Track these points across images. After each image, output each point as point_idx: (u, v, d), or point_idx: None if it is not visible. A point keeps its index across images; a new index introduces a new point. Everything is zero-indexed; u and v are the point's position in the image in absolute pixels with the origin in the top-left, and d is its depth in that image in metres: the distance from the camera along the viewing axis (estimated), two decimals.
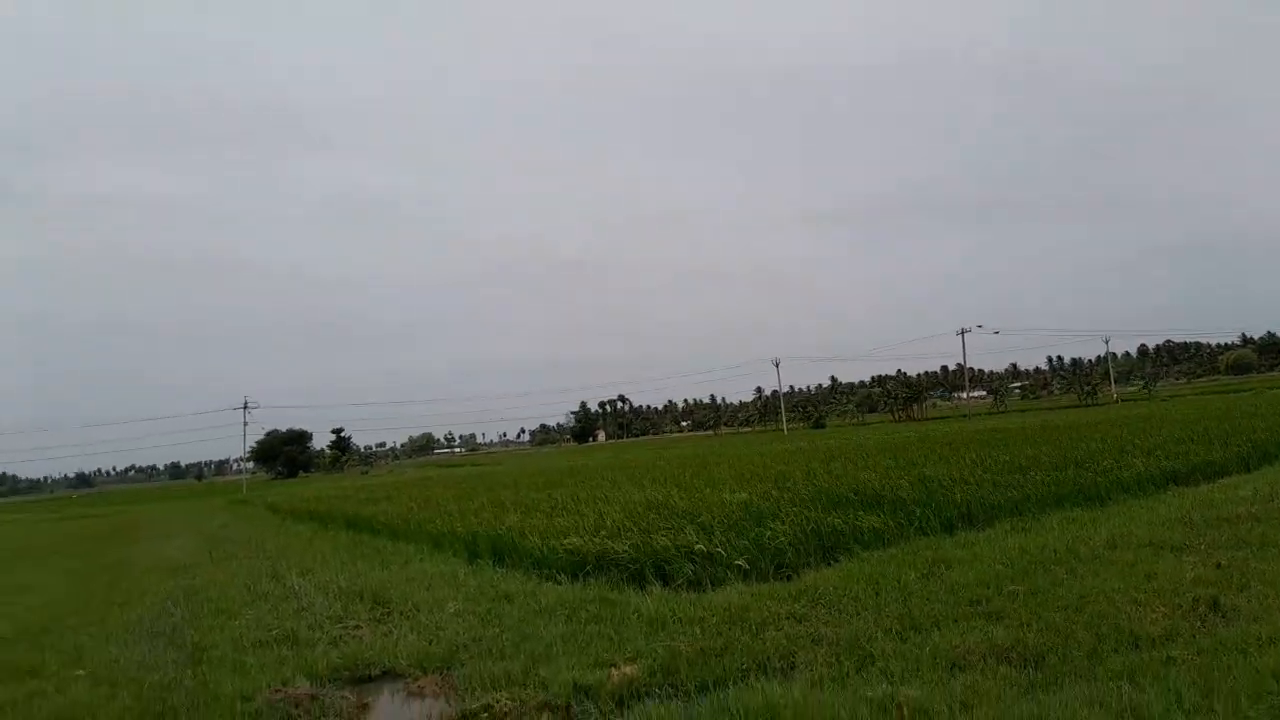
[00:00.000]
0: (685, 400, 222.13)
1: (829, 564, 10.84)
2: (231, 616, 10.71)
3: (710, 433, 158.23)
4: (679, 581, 10.35)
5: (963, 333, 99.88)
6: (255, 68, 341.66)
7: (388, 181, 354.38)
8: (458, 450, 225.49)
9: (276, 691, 7.15)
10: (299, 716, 6.64)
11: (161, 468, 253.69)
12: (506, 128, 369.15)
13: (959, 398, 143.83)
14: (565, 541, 12.30)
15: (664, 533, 12.09)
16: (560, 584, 10.86)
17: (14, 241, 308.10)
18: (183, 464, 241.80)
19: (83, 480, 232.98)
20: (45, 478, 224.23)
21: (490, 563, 13.09)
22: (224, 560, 17.47)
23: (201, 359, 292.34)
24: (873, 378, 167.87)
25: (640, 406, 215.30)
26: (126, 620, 11.24)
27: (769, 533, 11.55)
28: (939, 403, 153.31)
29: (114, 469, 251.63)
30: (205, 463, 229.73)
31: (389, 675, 7.85)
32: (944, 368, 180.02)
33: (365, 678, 7.80)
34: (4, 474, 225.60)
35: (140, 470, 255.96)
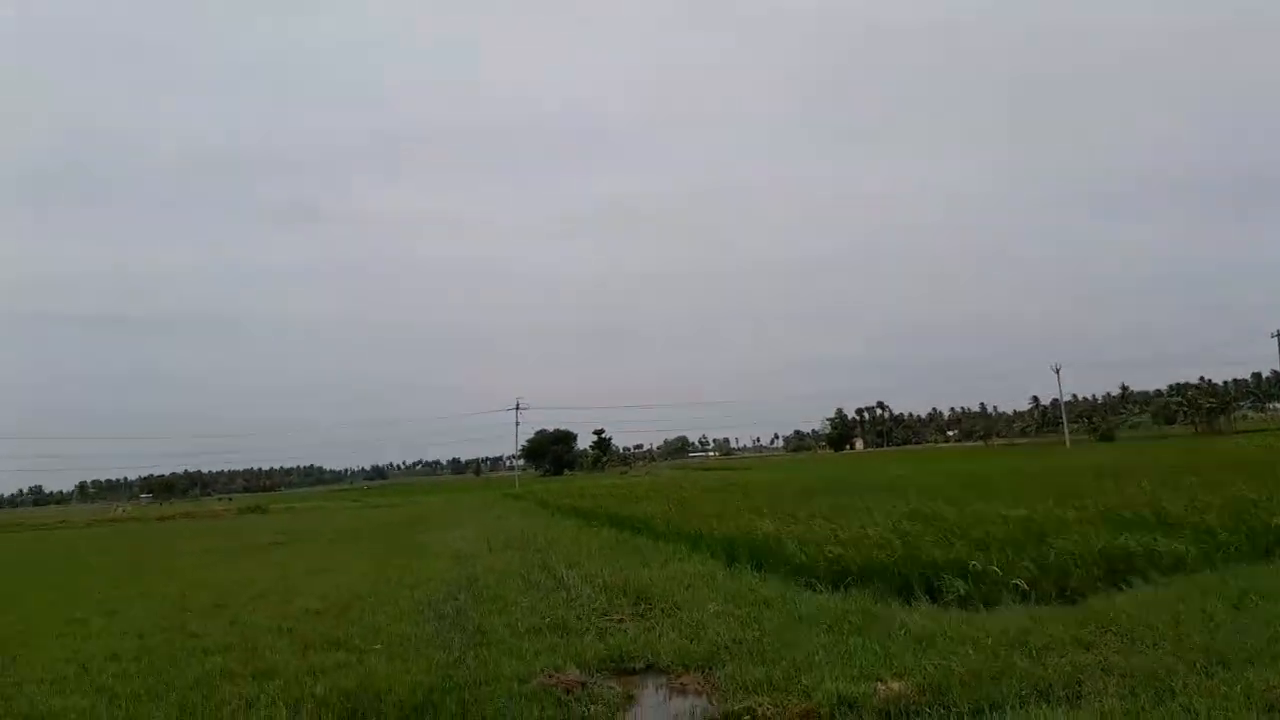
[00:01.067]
0: (951, 408, 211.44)
1: (1119, 589, 9.88)
2: (508, 604, 11.37)
3: (980, 443, 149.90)
4: (948, 598, 9.83)
5: None
6: (530, 99, 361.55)
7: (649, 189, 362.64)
8: (711, 454, 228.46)
9: (550, 676, 7.50)
10: (570, 702, 6.91)
11: (444, 463, 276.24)
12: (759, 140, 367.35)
13: (1275, 409, 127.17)
14: (826, 550, 12.05)
15: (932, 546, 11.57)
16: (820, 593, 10.65)
17: (327, 253, 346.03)
18: (462, 460, 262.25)
19: (377, 473, 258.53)
20: (346, 469, 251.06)
21: (748, 567, 13.07)
22: (500, 550, 18.67)
23: (479, 362, 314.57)
24: (1170, 386, 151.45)
25: (901, 414, 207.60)
26: (416, 601, 12.23)
27: (1052, 552, 10.71)
28: (1250, 414, 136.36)
29: (404, 463, 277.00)
30: (482, 459, 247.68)
31: (652, 669, 8.01)
32: (1256, 375, 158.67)
33: (630, 670, 8.01)
34: (313, 465, 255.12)
35: (426, 465, 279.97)
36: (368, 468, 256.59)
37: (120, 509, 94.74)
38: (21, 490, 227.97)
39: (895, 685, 6.73)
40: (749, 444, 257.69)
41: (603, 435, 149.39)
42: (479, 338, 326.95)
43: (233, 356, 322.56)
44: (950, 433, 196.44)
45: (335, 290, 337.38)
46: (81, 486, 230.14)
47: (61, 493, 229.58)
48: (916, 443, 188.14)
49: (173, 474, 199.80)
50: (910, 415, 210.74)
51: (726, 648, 8.26)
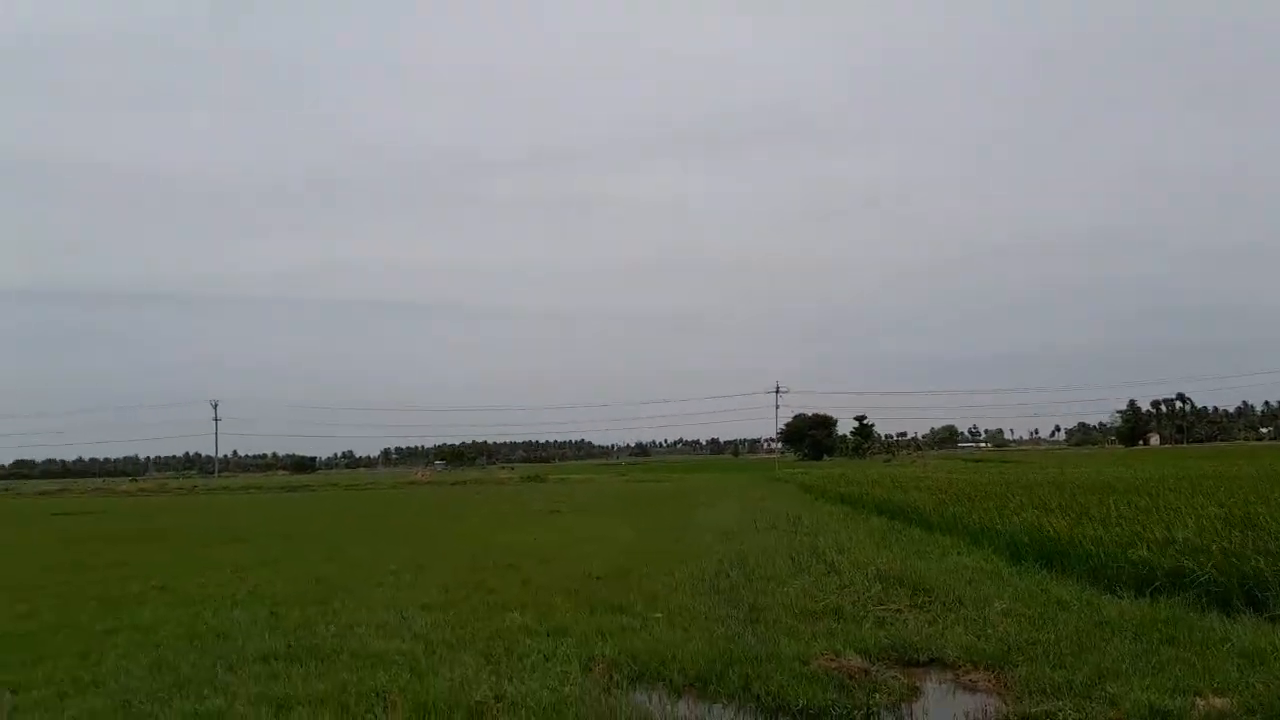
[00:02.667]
0: (1266, 403, 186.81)
1: None
2: (780, 584, 11.42)
3: None
4: (1277, 612, 8.72)
5: None
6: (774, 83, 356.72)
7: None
8: (982, 445, 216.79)
9: (830, 660, 7.45)
10: (853, 687, 6.82)
11: (703, 443, 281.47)
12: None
13: None
14: (1129, 553, 11.07)
15: (1255, 555, 10.30)
16: (1121, 598, 9.81)
17: (617, 245, 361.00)
18: (721, 440, 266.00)
19: (641, 450, 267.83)
20: (612, 445, 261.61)
21: (1035, 565, 12.30)
22: (766, 530, 18.79)
23: (738, 346, 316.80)
24: None
25: (1204, 408, 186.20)
26: (689, 574, 12.58)
27: None
28: None
29: (665, 441, 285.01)
30: (740, 440, 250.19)
31: (936, 663, 7.74)
32: None
33: (913, 661, 7.78)
34: (582, 440, 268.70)
35: (686, 444, 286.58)
36: (632, 444, 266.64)
37: (420, 473, 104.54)
38: (337, 454, 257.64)
39: (1217, 702, 6.09)
40: (1024, 436, 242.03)
41: (864, 421, 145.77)
42: (737, 322, 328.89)
43: (516, 340, 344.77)
44: (1264, 430, 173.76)
45: (602, 283, 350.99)
46: (386, 453, 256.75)
47: (369, 457, 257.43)
48: (1223, 439, 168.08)
49: (462, 444, 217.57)
50: (1215, 410, 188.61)
51: (1019, 647, 7.83)
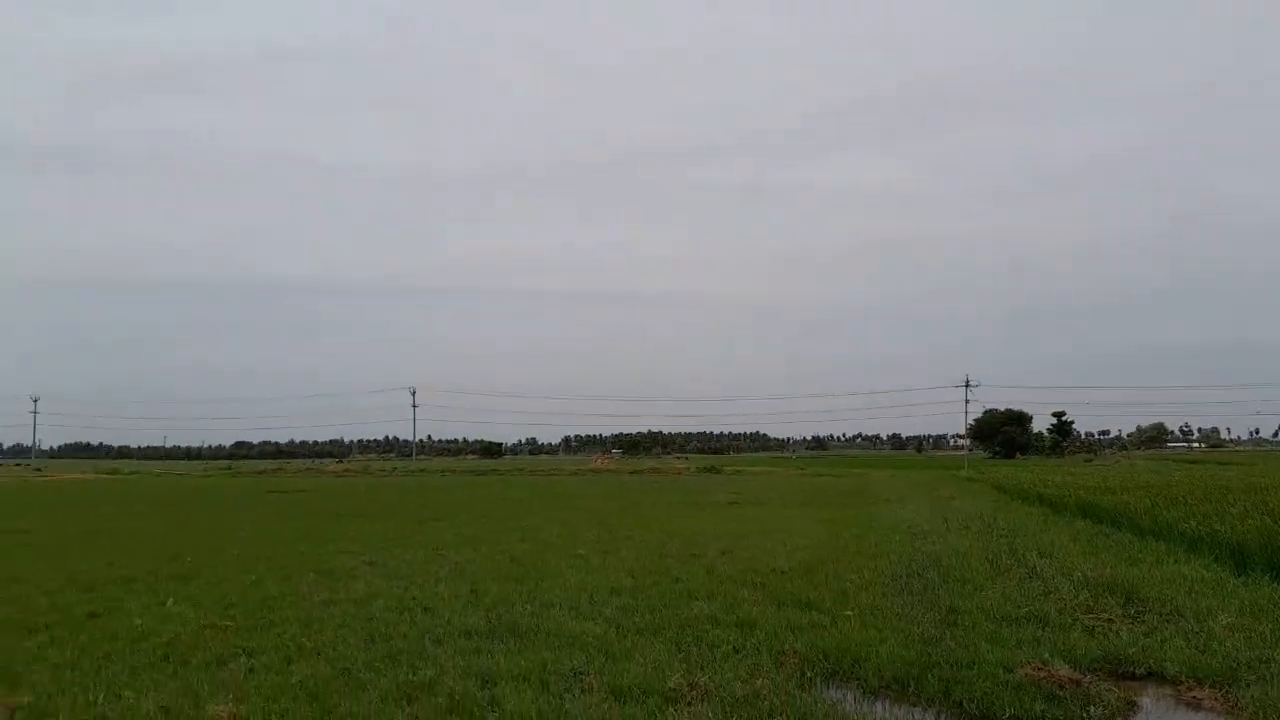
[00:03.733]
0: None
1: None
2: (977, 587, 10.94)
3: None
4: None
5: None
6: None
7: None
8: (1195, 445, 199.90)
9: (1038, 669, 7.06)
10: (1064, 699, 6.44)
11: (885, 437, 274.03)
12: None
13: None
14: None
15: None
16: None
17: (775, 235, 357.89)
18: (903, 435, 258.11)
19: (817, 444, 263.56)
20: (788, 439, 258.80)
21: (1266, 577, 11.24)
22: (959, 531, 18.06)
23: (924, 336, 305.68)
24: None
25: None
26: (878, 572, 12.27)
27: None
28: None
29: (843, 435, 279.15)
30: (925, 436, 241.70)
31: (1154, 677, 7.21)
32: None
33: (1128, 674, 7.28)
34: (757, 432, 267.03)
35: (866, 438, 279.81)
36: (808, 438, 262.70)
37: (598, 461, 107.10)
38: (521, 440, 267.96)
39: None
40: (1242, 436, 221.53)
41: (1063, 418, 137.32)
42: (925, 311, 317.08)
43: (692, 330, 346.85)
44: None
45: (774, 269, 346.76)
46: (566, 440, 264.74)
47: (551, 444, 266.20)
48: None
49: (638, 433, 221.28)
50: None
51: (1249, 665, 7.19)
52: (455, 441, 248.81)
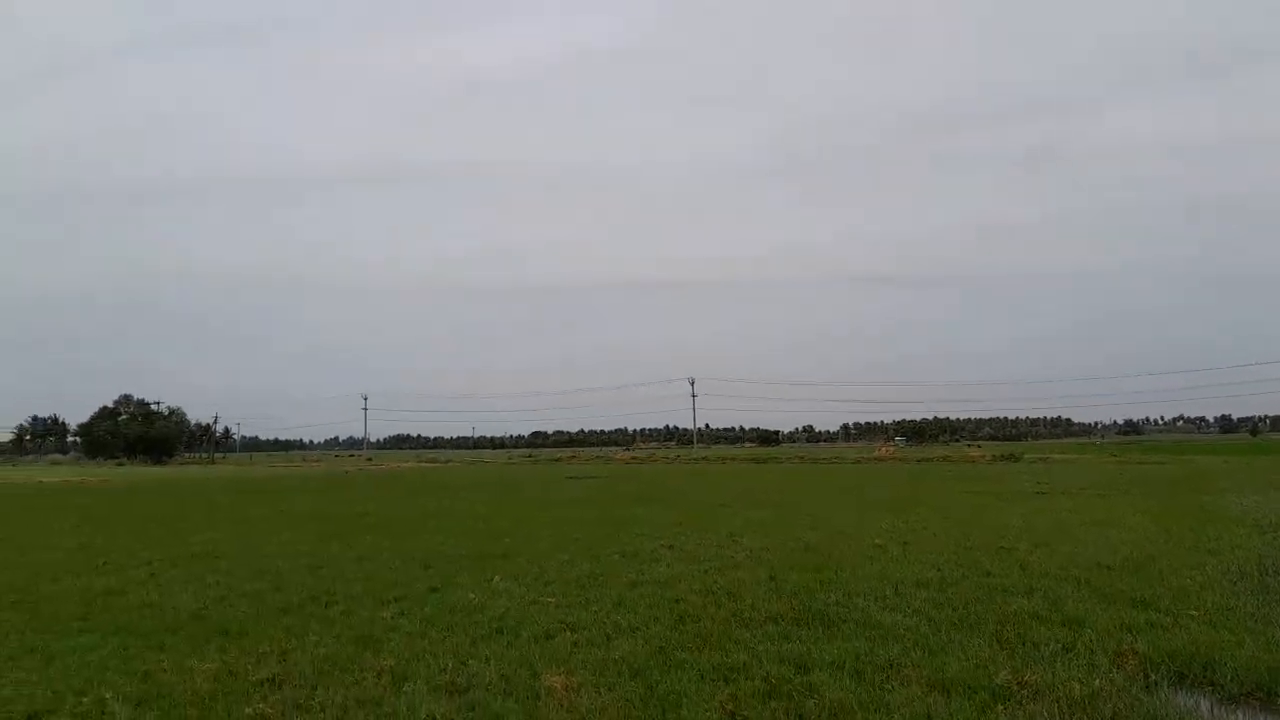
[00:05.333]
0: None
1: None
2: None
3: None
4: None
5: None
6: None
7: None
8: None
9: None
10: None
11: (1210, 420, 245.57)
12: None
13: None
14: None
15: None
16: None
17: (1058, 199, 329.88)
18: (1234, 417, 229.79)
19: (1130, 428, 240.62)
20: (1095, 423, 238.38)
21: None
22: None
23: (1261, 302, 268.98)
24: None
25: None
26: (1222, 569, 10.95)
27: None
28: None
29: (1162, 418, 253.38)
30: (1260, 418, 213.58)
31: None
32: None
33: None
34: (1059, 417, 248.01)
35: (1188, 421, 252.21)
36: (1119, 421, 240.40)
37: (882, 448, 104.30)
38: (797, 428, 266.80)
39: None
40: None
41: None
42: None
43: (969, 310, 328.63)
44: None
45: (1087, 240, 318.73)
46: (845, 427, 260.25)
47: (828, 431, 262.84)
48: None
49: (923, 419, 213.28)
50: None
51: None
52: (732, 430, 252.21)
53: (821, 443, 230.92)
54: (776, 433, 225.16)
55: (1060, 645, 7.38)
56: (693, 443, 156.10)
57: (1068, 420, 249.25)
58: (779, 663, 6.90)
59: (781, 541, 14.69)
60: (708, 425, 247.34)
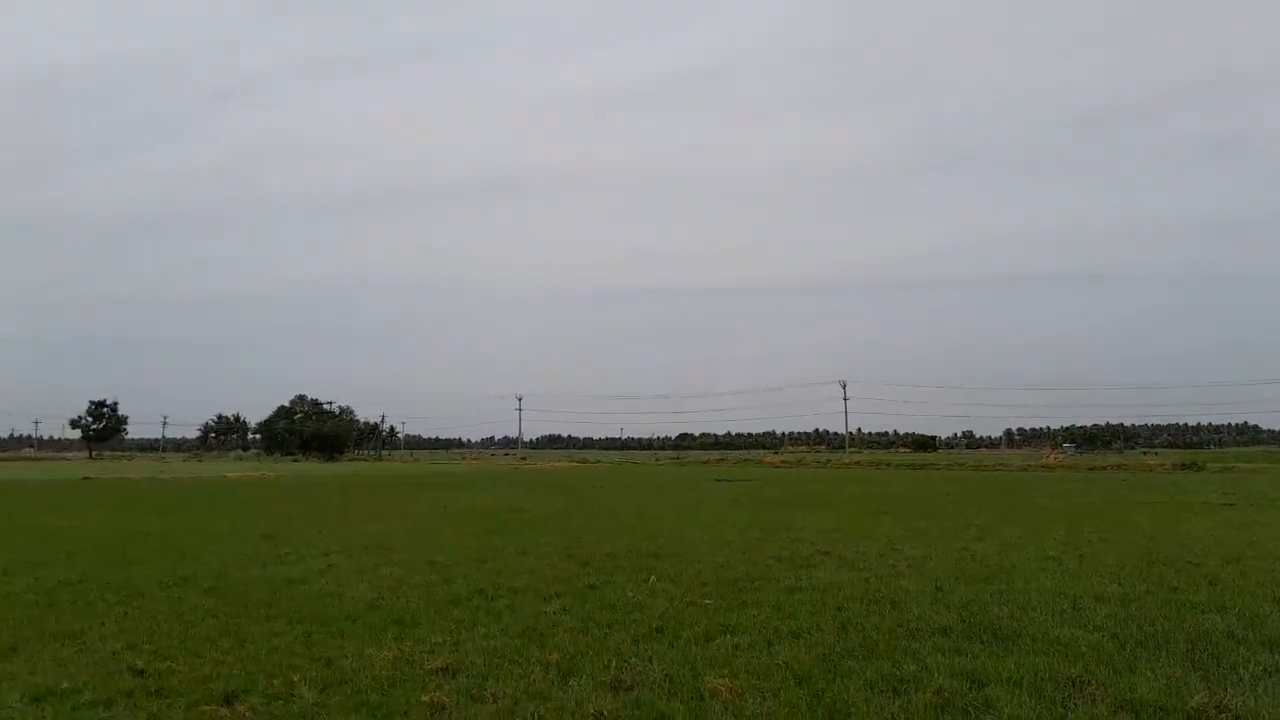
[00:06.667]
0: None
1: None
2: None
3: None
4: None
5: None
6: None
7: None
8: None
9: None
10: None
11: None
12: None
13: None
14: None
15: None
16: None
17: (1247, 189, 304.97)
18: None
19: None
20: None
21: None
22: None
23: None
24: None
25: None
26: None
27: None
28: None
29: None
30: None
31: None
32: None
33: None
34: (1246, 423, 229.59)
35: None
36: None
37: (1050, 456, 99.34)
38: (956, 433, 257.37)
39: None
40: None
41: None
42: None
43: (1146, 310, 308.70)
44: None
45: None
46: (1008, 433, 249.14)
47: (990, 437, 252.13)
48: None
49: (1094, 425, 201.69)
50: None
51: None
52: (885, 435, 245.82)
53: (982, 449, 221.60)
54: (933, 438, 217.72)
55: (1261, 668, 6.79)
56: (844, 447, 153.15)
57: (1255, 427, 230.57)
58: (951, 676, 6.62)
59: (945, 551, 14.16)
60: (859, 429, 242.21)
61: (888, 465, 78.20)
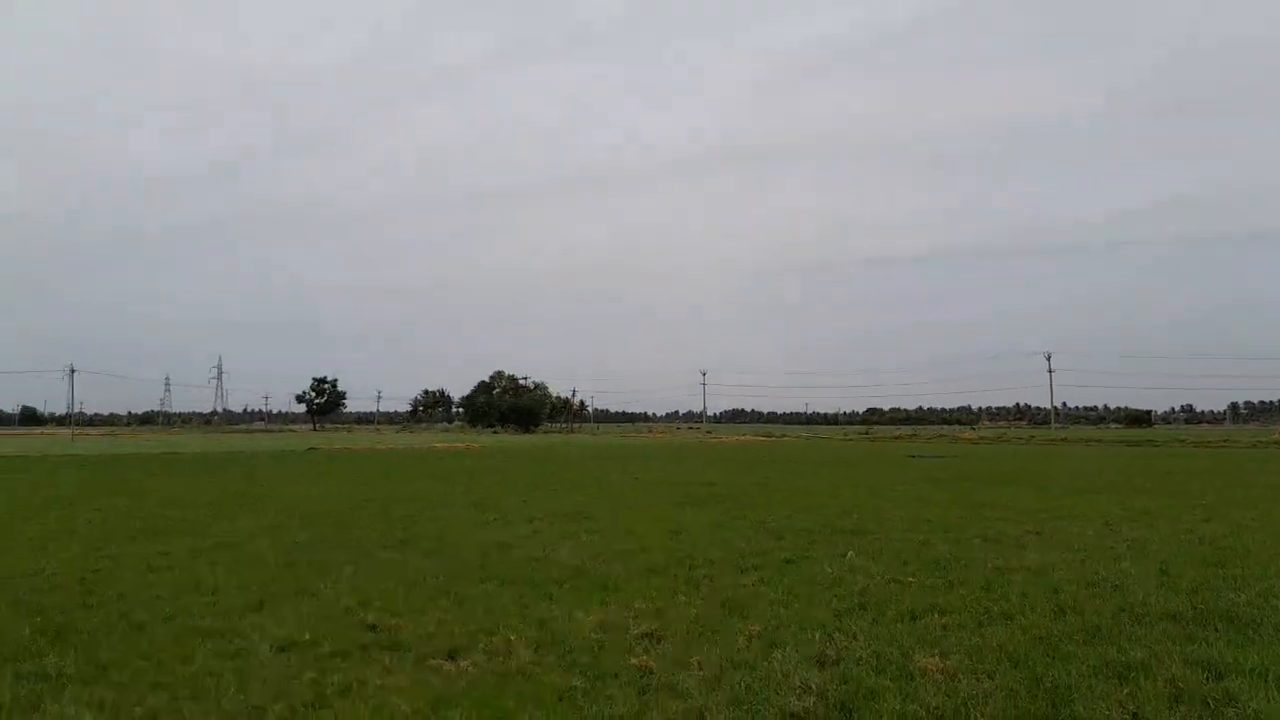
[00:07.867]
0: None
1: None
2: None
3: None
4: None
5: None
6: None
7: None
8: None
9: None
10: None
11: None
12: None
13: None
14: None
15: None
16: None
17: None
18: None
19: None
20: None
21: None
22: None
23: None
24: None
25: None
26: None
27: None
28: None
29: None
30: None
31: None
32: None
33: None
34: None
35: None
36: None
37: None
38: (1174, 407, 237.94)
39: None
40: None
41: None
42: None
43: None
44: None
45: None
46: (1233, 407, 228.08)
47: (1213, 412, 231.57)
48: None
49: None
50: None
51: None
52: (1094, 409, 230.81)
53: (1204, 424, 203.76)
54: (1148, 412, 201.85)
55: None
56: (1049, 422, 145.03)
57: None
58: (1184, 665, 6.18)
59: (1170, 533, 13.18)
60: (1064, 404, 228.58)
61: (1099, 442, 73.48)
